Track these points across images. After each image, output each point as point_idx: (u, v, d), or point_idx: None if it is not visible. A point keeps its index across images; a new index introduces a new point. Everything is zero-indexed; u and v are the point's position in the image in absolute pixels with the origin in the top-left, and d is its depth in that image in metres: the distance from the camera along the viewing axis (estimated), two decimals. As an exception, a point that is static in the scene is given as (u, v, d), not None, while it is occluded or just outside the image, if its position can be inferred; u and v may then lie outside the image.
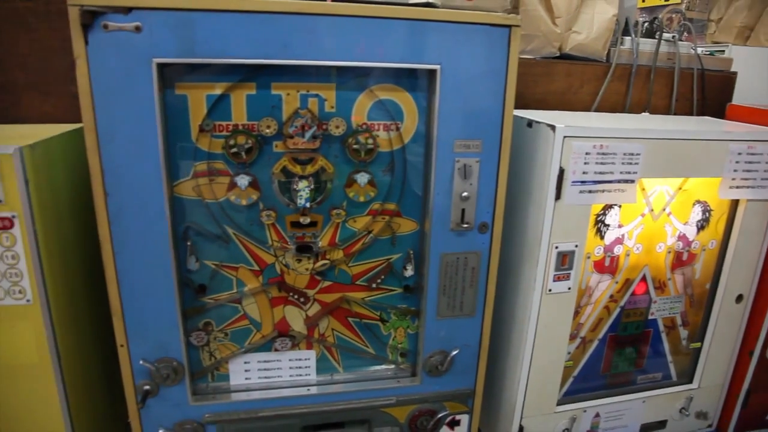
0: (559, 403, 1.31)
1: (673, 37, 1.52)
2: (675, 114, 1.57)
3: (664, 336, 1.39)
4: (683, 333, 1.41)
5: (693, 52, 1.55)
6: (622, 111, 1.57)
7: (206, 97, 1.00)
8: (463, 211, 1.11)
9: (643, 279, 1.31)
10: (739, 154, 1.21)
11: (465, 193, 1.09)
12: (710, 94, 1.58)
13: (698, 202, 1.29)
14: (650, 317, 1.36)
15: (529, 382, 1.26)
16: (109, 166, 0.95)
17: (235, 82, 0.99)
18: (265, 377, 1.20)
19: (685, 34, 1.57)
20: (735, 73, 1.61)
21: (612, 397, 1.36)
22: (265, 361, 1.19)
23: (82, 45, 0.89)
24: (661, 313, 1.36)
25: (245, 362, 1.19)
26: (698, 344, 1.40)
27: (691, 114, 1.59)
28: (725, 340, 1.40)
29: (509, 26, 1.01)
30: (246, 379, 1.20)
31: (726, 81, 1.61)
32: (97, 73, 0.90)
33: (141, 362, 1.07)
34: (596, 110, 1.55)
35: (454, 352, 1.20)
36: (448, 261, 1.14)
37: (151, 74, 0.92)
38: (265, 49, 0.95)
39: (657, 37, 1.54)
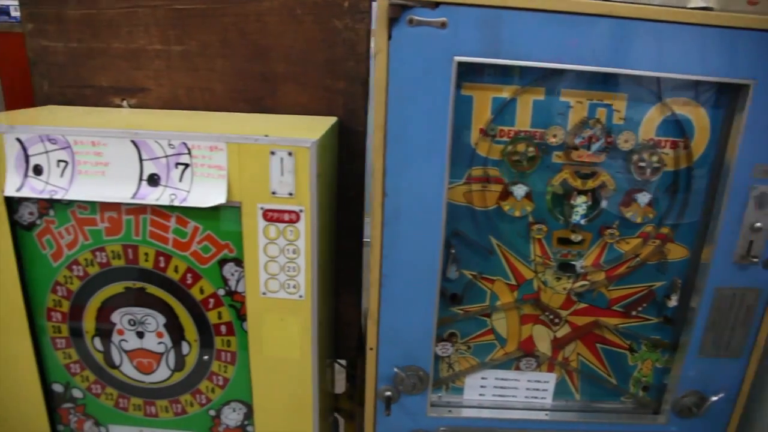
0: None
1: None
2: None
3: None
4: None
5: None
6: None
7: (492, 100, 1.04)
8: (750, 243, 1.06)
9: None
10: None
11: (758, 224, 1.04)
12: None
13: None
14: None
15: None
16: (392, 166, 1.02)
17: (525, 86, 1.02)
18: (500, 395, 1.22)
19: None
20: None
21: None
22: (503, 379, 1.22)
23: (385, 39, 0.92)
24: None
25: (482, 378, 1.22)
26: None
27: None
28: None
29: None
30: (480, 395, 1.23)
31: None
32: (396, 69, 0.94)
33: (395, 369, 1.15)
34: None
35: (716, 397, 1.16)
36: (723, 295, 1.09)
37: (450, 73, 0.96)
38: (567, 53, 0.96)
39: None
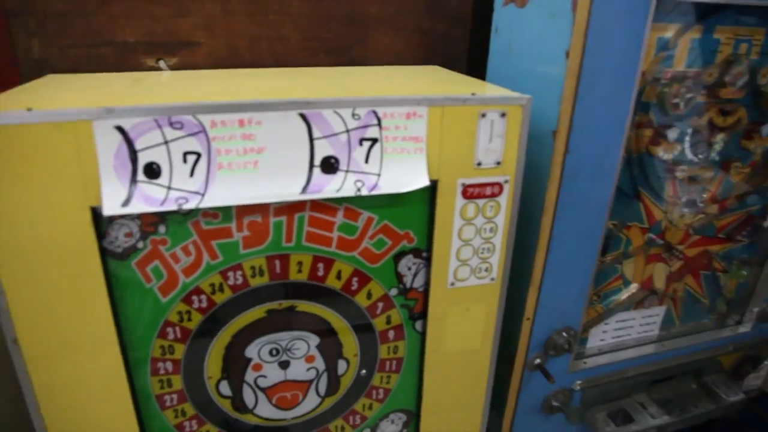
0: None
1: None
2: None
3: None
4: None
5: None
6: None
7: (657, 41, 0.93)
8: (841, 161, 1.13)
9: None
10: None
11: None
12: None
13: None
14: None
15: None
16: (579, 119, 0.87)
17: (690, 24, 0.93)
18: (617, 336, 1.19)
19: None
20: None
21: None
22: (621, 320, 1.18)
23: None
24: None
25: (605, 323, 1.17)
26: None
27: None
28: None
29: None
30: (601, 340, 1.18)
31: None
32: (598, 9, 0.80)
33: (564, 333, 1.03)
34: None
35: None
36: (813, 210, 1.17)
37: (648, 11, 0.83)
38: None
39: None
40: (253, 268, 0.76)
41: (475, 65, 1.04)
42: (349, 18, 0.97)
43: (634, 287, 1.14)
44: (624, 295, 1.14)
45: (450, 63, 1.04)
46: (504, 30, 0.97)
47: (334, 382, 0.89)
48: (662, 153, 0.99)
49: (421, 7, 1.00)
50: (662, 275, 1.15)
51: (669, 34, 0.91)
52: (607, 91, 0.84)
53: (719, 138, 1.03)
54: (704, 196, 1.09)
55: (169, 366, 0.79)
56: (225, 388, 0.83)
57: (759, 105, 1.04)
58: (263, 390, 0.85)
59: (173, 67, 0.92)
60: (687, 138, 1.00)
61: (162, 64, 0.91)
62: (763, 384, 1.35)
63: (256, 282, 0.78)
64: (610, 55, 0.82)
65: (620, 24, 0.80)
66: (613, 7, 0.79)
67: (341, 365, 0.88)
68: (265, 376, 0.84)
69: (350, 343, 0.86)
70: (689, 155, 1.02)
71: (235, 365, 0.82)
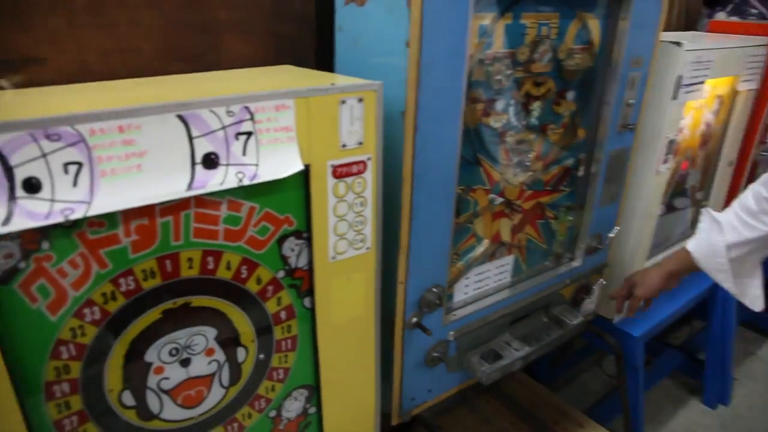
0: (647, 259, 1.78)
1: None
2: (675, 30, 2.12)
3: (690, 200, 1.94)
4: (697, 195, 1.99)
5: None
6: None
7: (478, 28, 1.11)
8: (626, 115, 1.43)
9: (686, 158, 1.82)
10: (751, 57, 1.77)
11: (631, 101, 1.41)
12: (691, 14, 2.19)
13: (718, 96, 1.82)
14: (686, 186, 1.90)
15: (638, 247, 1.69)
16: (423, 100, 1.02)
17: (501, 13, 1.12)
18: (478, 288, 1.38)
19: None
20: None
21: (667, 250, 1.88)
22: (479, 273, 1.37)
23: None
24: (692, 181, 1.91)
25: (466, 278, 1.35)
26: (705, 202, 2.00)
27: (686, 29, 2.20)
28: (719, 195, 2.03)
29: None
30: (465, 294, 1.37)
31: (698, 4, 2.21)
32: (429, 3, 0.94)
33: (434, 289, 1.18)
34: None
35: (613, 232, 1.55)
36: (612, 156, 1.45)
37: (469, 3, 1.00)
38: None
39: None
40: (144, 271, 0.80)
41: (324, 62, 1.15)
42: (201, 26, 1.02)
43: (486, 242, 1.34)
44: (479, 250, 1.33)
45: (300, 62, 1.14)
46: (347, 27, 1.09)
47: (235, 370, 0.95)
48: (493, 122, 1.19)
49: (267, 11, 1.08)
50: (507, 229, 1.37)
51: (487, 21, 1.10)
52: (443, 74, 1.00)
53: (536, 105, 1.25)
54: (530, 156, 1.32)
55: (66, 387, 0.80)
56: (128, 398, 0.85)
57: (562, 76, 1.28)
58: (167, 392, 0.89)
59: (17, 86, 0.90)
60: (511, 108, 1.21)
61: (3, 83, 0.89)
62: (596, 307, 1.65)
63: (148, 284, 0.81)
64: (442, 43, 0.97)
65: (448, 16, 0.96)
66: (441, 2, 0.94)
67: (240, 353, 0.94)
68: (167, 378, 0.88)
69: (246, 329, 0.93)
70: (514, 122, 1.23)
71: (135, 373, 0.85)
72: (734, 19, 2.44)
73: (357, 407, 1.15)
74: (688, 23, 2.22)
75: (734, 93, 1.85)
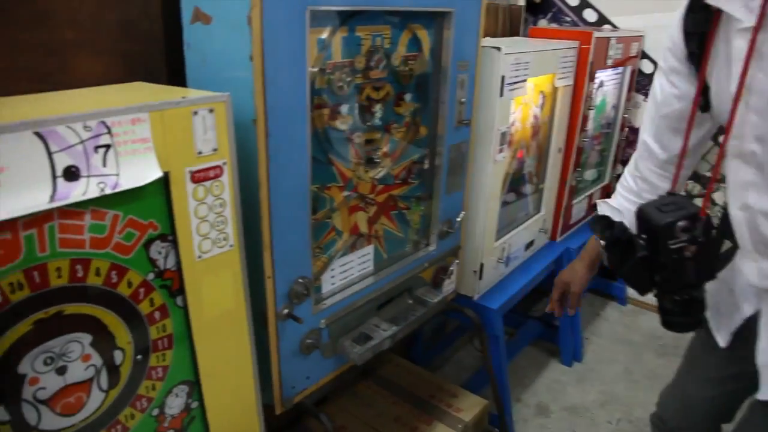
0: (495, 240, 2.03)
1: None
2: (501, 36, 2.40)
3: (528, 184, 2.25)
4: (534, 180, 2.29)
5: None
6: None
7: (317, 41, 1.26)
8: (460, 112, 1.65)
9: (521, 148, 2.11)
10: (564, 58, 2.09)
11: (463, 99, 1.64)
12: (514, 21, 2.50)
13: (541, 92, 2.13)
14: (524, 172, 2.19)
15: (486, 229, 1.93)
16: (271, 108, 1.15)
17: (337, 27, 1.29)
18: (344, 278, 1.54)
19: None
20: (520, 6, 2.55)
21: (513, 230, 2.16)
22: (343, 264, 1.53)
23: None
24: (528, 167, 2.20)
25: (331, 269, 1.50)
26: (542, 185, 2.31)
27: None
28: (553, 178, 2.35)
29: (484, -21, 1.58)
30: (332, 284, 1.51)
31: (519, 12, 2.52)
32: (269, 19, 1.07)
33: (300, 281, 1.31)
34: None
35: (460, 217, 1.77)
36: (454, 149, 1.67)
37: (306, 21, 1.15)
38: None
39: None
40: (11, 284, 0.86)
41: (176, 78, 1.24)
42: (46, 46, 1.08)
43: (345, 235, 1.49)
44: (339, 243, 1.49)
45: (152, 78, 1.22)
46: (195, 45, 1.20)
47: (114, 373, 1.02)
48: (340, 125, 1.35)
49: (115, 31, 1.16)
50: (364, 221, 1.53)
51: (325, 35, 1.25)
52: (287, 83, 1.14)
53: (378, 108, 1.43)
54: (378, 153, 1.50)
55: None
56: (1, 413, 0.89)
57: (398, 80, 1.47)
58: (44, 402, 0.94)
59: None
60: (355, 111, 1.37)
61: None
62: (456, 286, 1.87)
63: (16, 297, 0.87)
64: (284, 56, 1.11)
65: (287, 31, 1.10)
66: (278, 19, 1.08)
67: (117, 355, 1.02)
68: (44, 388, 0.93)
69: (122, 332, 1.01)
70: (359, 124, 1.40)
71: (8, 387, 0.89)
72: (554, 25, 2.84)
73: (238, 398, 1.25)
74: (513, 30, 2.55)
75: (554, 89, 2.18)
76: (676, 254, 1.06)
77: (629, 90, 2.72)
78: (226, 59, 1.15)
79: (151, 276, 1.02)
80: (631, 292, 3.13)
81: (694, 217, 1.06)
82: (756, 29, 0.92)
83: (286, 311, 1.32)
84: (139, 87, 1.16)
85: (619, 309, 3.10)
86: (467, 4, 1.54)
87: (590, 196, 2.69)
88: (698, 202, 1.17)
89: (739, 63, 0.96)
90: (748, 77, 0.95)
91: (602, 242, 1.25)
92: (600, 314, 3.04)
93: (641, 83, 2.82)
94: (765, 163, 0.98)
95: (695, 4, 1.05)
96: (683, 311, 1.13)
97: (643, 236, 1.10)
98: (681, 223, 1.05)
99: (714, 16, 1.02)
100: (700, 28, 1.06)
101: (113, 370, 1.01)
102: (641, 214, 1.11)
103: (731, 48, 0.99)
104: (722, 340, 1.23)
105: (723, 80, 1.04)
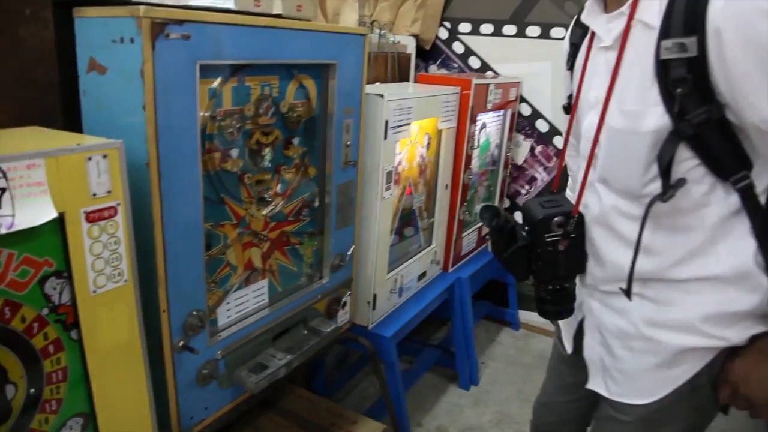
0: (388, 272, 2.21)
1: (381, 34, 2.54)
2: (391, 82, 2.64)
3: (418, 218, 2.46)
4: (425, 214, 2.51)
5: (390, 42, 2.64)
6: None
7: (208, 90, 1.41)
8: (346, 154, 1.84)
9: (409, 185, 2.32)
10: (446, 102, 2.34)
11: (348, 142, 1.82)
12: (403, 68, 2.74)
13: (426, 133, 2.37)
14: (414, 207, 2.40)
15: (378, 262, 2.11)
16: (164, 152, 1.27)
17: (227, 77, 1.44)
18: (239, 310, 1.65)
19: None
20: (409, 54, 2.81)
21: (406, 262, 2.35)
22: (239, 297, 1.64)
23: (150, 50, 1.19)
24: (417, 204, 2.42)
25: (227, 303, 1.61)
26: (432, 219, 2.54)
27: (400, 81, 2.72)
28: (442, 213, 2.58)
29: (365, 35, 1.79)
30: (228, 317, 1.62)
31: (408, 59, 2.78)
32: (161, 72, 1.21)
33: (194, 313, 1.41)
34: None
35: (350, 251, 1.94)
36: (342, 188, 1.85)
37: (196, 73, 1.30)
38: (254, 52, 1.44)
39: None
40: None
41: (72, 123, 1.34)
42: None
43: (240, 270, 1.62)
44: (234, 277, 1.61)
45: (48, 124, 1.32)
46: (91, 92, 1.31)
47: (5, 407, 1.08)
48: (231, 167, 1.49)
49: (8, 78, 1.25)
50: (258, 256, 1.67)
51: (215, 84, 1.40)
52: (178, 130, 1.27)
53: (267, 151, 1.58)
54: (269, 192, 1.65)
55: None
56: None
57: (287, 126, 1.64)
58: (-67, 437, 1.00)
59: None
60: (245, 154, 1.52)
61: None
62: (351, 316, 2.02)
63: None
64: (175, 105, 1.25)
65: (178, 82, 1.24)
66: (170, 71, 1.21)
67: (9, 390, 1.08)
68: (-68, 425, 0.99)
69: (14, 366, 1.08)
70: (250, 166, 1.55)
71: None
72: (443, 70, 3.14)
73: (135, 429, 1.32)
74: (402, 76, 2.80)
75: (439, 131, 2.43)
76: (550, 246, 1.24)
77: (510, 131, 3.04)
78: (120, 107, 1.26)
79: (45, 311, 1.10)
80: (523, 318, 3.42)
81: (568, 215, 1.24)
82: (607, 48, 1.14)
83: (181, 343, 1.42)
84: (36, 132, 1.26)
85: (512, 333, 3.37)
86: (350, 56, 1.74)
87: (480, 229, 2.96)
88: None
89: (597, 76, 1.17)
90: (597, 90, 1.16)
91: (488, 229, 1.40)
92: (495, 339, 3.29)
93: (521, 124, 3.16)
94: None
95: (578, 20, 1.29)
96: (554, 300, 1.31)
97: (526, 228, 1.27)
98: (557, 219, 1.22)
99: (591, 33, 1.22)
100: (579, 41, 1.29)
101: (5, 403, 1.08)
102: (525, 208, 1.29)
103: (591, 62, 1.21)
104: (568, 346, 1.45)
105: (578, 89, 1.26)
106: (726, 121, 1.01)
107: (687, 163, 1.05)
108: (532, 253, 1.27)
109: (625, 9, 1.07)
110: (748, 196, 1.05)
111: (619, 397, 1.24)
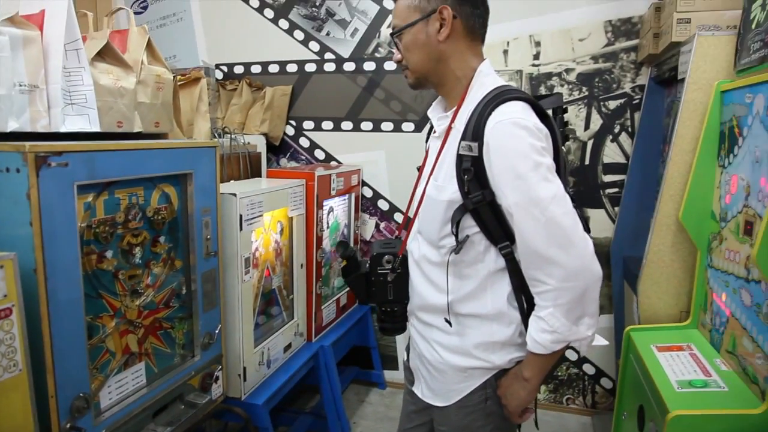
0: (255, 347, 2.55)
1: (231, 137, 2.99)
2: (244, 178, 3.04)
3: (279, 296, 2.83)
4: (285, 292, 2.89)
5: (241, 144, 3.06)
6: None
7: (84, 204, 1.74)
8: (207, 246, 2.21)
9: (267, 268, 2.71)
10: (293, 194, 2.79)
11: (208, 236, 2.20)
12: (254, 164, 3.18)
13: (279, 221, 2.79)
14: (273, 287, 2.78)
15: (244, 338, 2.45)
16: (50, 259, 1.58)
17: (99, 192, 1.78)
18: (120, 392, 1.92)
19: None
20: (260, 152, 3.26)
21: (271, 336, 2.70)
22: (119, 380, 1.91)
23: (35, 178, 1.53)
24: (277, 283, 2.80)
25: (108, 386, 1.88)
26: (292, 295, 2.92)
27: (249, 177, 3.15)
28: (301, 289, 2.98)
29: (215, 147, 2.21)
30: (110, 399, 1.88)
31: (258, 157, 3.23)
32: (44, 194, 1.54)
33: (80, 395, 1.67)
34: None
35: (217, 329, 2.27)
36: (205, 275, 2.20)
37: (73, 192, 1.64)
38: (121, 170, 1.81)
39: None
40: None
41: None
42: None
43: (118, 355, 1.90)
44: (114, 362, 1.89)
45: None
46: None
47: None
48: (107, 266, 1.81)
49: None
50: (134, 342, 1.96)
51: (90, 199, 1.74)
52: (60, 239, 1.59)
53: (137, 250, 1.92)
54: (141, 285, 1.97)
55: None
56: None
57: (153, 227, 1.99)
58: None
59: None
60: (119, 254, 1.85)
61: None
62: (225, 389, 2.33)
63: None
64: (57, 219, 1.57)
65: (58, 201, 1.56)
66: (52, 193, 1.54)
67: None
68: None
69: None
70: (123, 263, 1.88)
71: None
72: (292, 163, 3.62)
73: (29, 506, 1.54)
74: (254, 172, 3.25)
75: (290, 218, 2.87)
76: (381, 277, 1.67)
77: (356, 211, 3.56)
78: (10, 222, 1.56)
79: (-48, 402, 1.35)
80: (389, 377, 3.84)
81: (396, 255, 1.66)
82: (438, 137, 1.55)
83: (69, 425, 1.67)
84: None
85: (380, 393, 3.76)
86: (204, 165, 2.15)
87: (338, 300, 3.39)
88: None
89: (431, 155, 1.60)
90: (429, 166, 1.57)
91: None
92: (364, 400, 3.67)
93: (365, 205, 3.71)
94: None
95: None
96: (389, 319, 1.72)
97: (368, 261, 1.71)
98: (387, 257, 1.67)
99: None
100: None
101: None
102: (371, 246, 1.73)
103: (432, 144, 1.63)
104: (409, 374, 1.89)
105: (424, 162, 1.66)
106: (496, 204, 1.42)
107: (471, 228, 1.45)
108: (369, 281, 1.71)
109: (450, 114, 1.57)
110: (509, 259, 1.52)
111: (430, 400, 1.69)
